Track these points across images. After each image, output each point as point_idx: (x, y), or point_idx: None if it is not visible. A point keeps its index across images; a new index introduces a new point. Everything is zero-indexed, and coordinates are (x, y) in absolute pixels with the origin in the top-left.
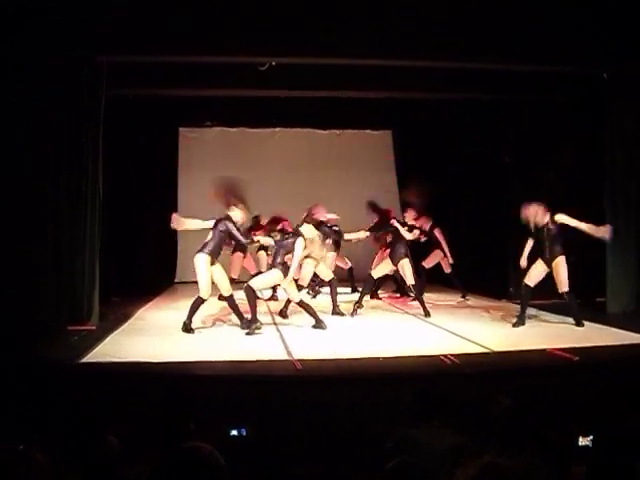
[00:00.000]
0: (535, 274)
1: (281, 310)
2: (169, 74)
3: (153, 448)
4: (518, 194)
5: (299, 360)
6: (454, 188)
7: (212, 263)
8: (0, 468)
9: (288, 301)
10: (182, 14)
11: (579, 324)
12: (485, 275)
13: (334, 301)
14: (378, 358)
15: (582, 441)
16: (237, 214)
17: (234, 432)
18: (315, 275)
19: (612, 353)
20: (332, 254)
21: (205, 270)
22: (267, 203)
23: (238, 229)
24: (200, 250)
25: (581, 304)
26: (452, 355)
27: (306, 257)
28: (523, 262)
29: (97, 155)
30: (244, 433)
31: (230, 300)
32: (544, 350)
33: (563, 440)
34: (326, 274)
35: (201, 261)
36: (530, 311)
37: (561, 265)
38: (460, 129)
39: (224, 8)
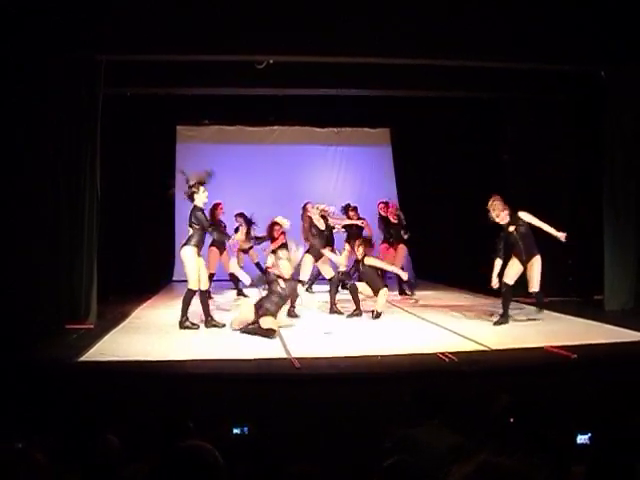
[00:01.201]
0: (513, 272)
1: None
2: (167, 72)
3: (152, 447)
4: (517, 192)
5: (297, 358)
6: (453, 186)
7: (198, 255)
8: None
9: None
10: (180, 13)
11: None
12: (483, 273)
13: (332, 299)
14: (376, 356)
15: (580, 438)
16: (200, 198)
17: (236, 430)
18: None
19: (610, 350)
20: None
21: (193, 262)
22: (264, 201)
23: (206, 217)
24: (185, 243)
25: (580, 302)
26: (450, 353)
27: (307, 252)
28: (495, 283)
29: (95, 154)
30: (246, 431)
31: (202, 295)
32: (542, 348)
33: (562, 439)
34: (327, 272)
35: (188, 253)
36: (528, 309)
37: (536, 264)
38: (459, 127)
39: (222, 6)
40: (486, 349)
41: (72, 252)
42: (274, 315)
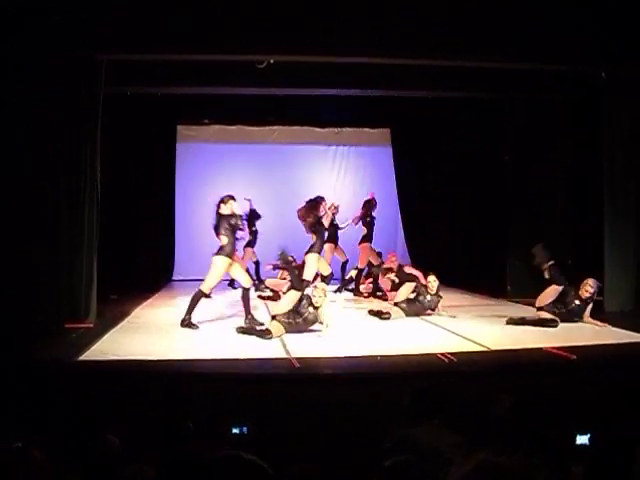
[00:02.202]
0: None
1: None
2: (167, 72)
3: (152, 446)
4: (517, 192)
5: (297, 358)
6: (452, 186)
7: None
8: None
9: None
10: (181, 12)
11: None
12: (483, 273)
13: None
14: (375, 356)
15: (579, 439)
16: (228, 208)
17: (236, 430)
18: None
19: (610, 352)
20: (329, 245)
21: (221, 272)
22: (264, 201)
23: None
24: (218, 253)
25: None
26: (450, 353)
27: (309, 252)
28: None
29: (95, 153)
30: (245, 431)
31: (246, 292)
32: (541, 349)
33: (562, 439)
34: (325, 268)
35: (218, 263)
36: (527, 310)
37: None
38: (459, 127)
39: (222, 6)
40: (485, 350)
41: (72, 251)
42: (284, 329)
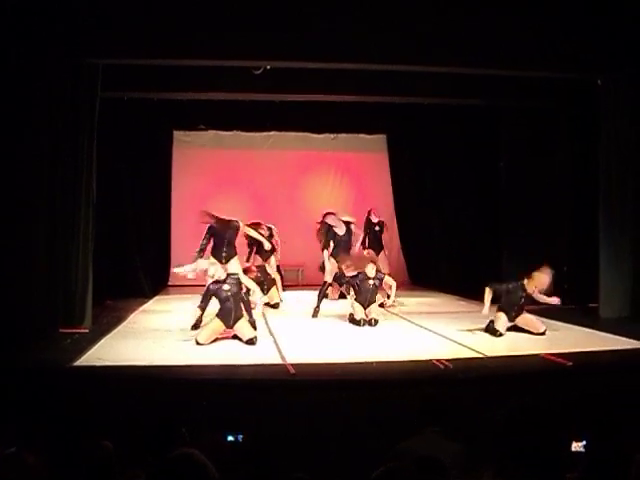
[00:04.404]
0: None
1: None
2: (164, 77)
3: (145, 452)
4: (512, 198)
5: (292, 364)
6: (449, 192)
7: None
8: None
9: None
10: (178, 18)
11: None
12: (479, 280)
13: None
14: (371, 363)
15: (575, 447)
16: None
17: (230, 438)
18: None
19: (606, 358)
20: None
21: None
22: (261, 207)
23: None
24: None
25: (575, 309)
26: (445, 360)
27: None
28: (486, 311)
29: (91, 158)
30: (240, 439)
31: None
32: (538, 355)
33: (558, 446)
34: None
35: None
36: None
37: (527, 316)
38: (455, 133)
39: (220, 12)
40: (481, 356)
41: (67, 256)
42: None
